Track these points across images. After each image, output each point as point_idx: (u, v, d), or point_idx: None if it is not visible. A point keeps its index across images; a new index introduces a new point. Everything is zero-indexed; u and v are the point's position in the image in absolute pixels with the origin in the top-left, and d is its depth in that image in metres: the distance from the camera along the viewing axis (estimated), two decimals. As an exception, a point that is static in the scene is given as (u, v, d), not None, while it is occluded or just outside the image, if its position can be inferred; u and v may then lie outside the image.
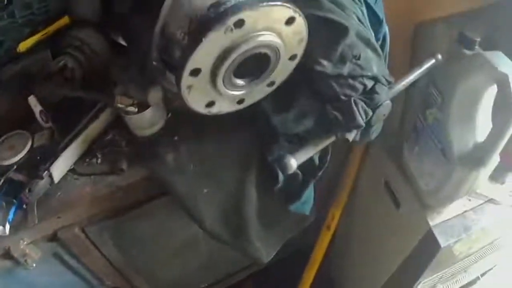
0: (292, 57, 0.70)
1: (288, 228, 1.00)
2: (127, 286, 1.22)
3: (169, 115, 0.93)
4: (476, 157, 0.94)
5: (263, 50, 0.64)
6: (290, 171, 0.73)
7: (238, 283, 1.75)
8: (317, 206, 1.25)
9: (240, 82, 0.68)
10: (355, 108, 0.74)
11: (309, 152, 0.76)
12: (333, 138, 0.78)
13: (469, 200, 1.12)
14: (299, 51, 0.69)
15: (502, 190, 1.16)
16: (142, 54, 0.68)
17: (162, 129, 0.92)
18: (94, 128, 0.93)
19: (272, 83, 0.72)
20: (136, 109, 0.87)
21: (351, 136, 0.77)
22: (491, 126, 0.91)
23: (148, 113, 0.88)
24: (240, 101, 0.73)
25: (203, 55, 0.59)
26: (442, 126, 0.95)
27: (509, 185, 1.17)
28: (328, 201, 1.39)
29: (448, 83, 0.92)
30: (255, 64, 0.66)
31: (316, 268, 1.56)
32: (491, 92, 0.88)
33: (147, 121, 0.89)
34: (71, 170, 0.91)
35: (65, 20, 0.92)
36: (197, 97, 0.67)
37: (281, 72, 0.71)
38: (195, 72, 0.61)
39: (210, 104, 0.70)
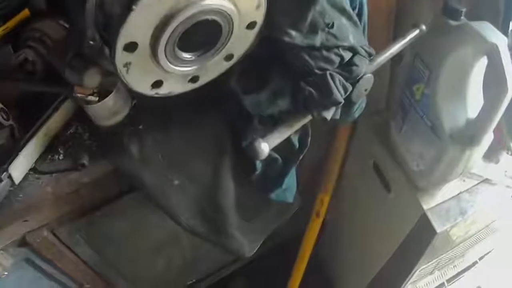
0: (250, 25, 0.61)
1: (271, 219, 0.94)
2: (108, 288, 1.16)
3: (134, 102, 0.86)
4: (468, 134, 0.89)
5: (211, 17, 0.56)
6: (262, 157, 0.66)
7: (229, 276, 1.71)
8: (305, 193, 1.20)
9: (187, 56, 0.59)
10: (331, 82, 0.67)
11: (283, 135, 0.69)
12: (309, 118, 0.71)
13: (464, 181, 1.07)
14: (259, 18, 0.61)
15: (497, 170, 1.11)
16: (78, 34, 0.59)
17: (127, 118, 0.85)
18: (55, 122, 0.86)
19: (230, 57, 0.64)
20: (97, 98, 0.81)
21: (329, 114, 0.70)
22: (482, 101, 0.86)
23: (109, 101, 0.81)
24: (194, 79, 0.64)
25: (137, 26, 0.51)
26: (431, 102, 0.90)
27: (504, 164, 1.12)
28: (316, 186, 1.33)
29: (434, 56, 0.87)
30: (205, 35, 0.58)
31: (308, 257, 1.51)
32: (481, 64, 0.83)
33: (109, 110, 0.83)
34: (33, 169, 0.85)
35: (25, 13, 0.86)
36: (138, 76, 0.58)
37: (239, 43, 0.62)
38: (131, 47, 0.52)
39: (157, 84, 0.61)
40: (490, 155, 1.11)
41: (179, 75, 0.61)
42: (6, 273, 0.86)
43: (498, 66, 0.75)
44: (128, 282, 1.21)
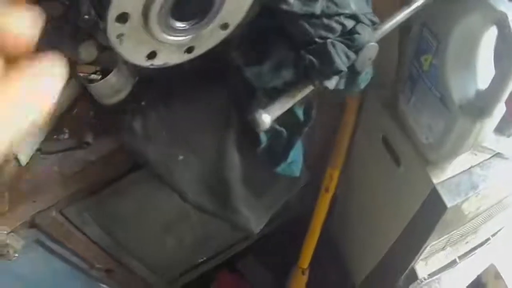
0: (244, -8, 0.60)
1: (278, 194, 0.93)
2: (120, 267, 1.17)
3: (137, 79, 0.86)
4: (479, 106, 0.86)
5: (203, -16, 0.54)
6: (264, 128, 0.66)
7: (238, 254, 1.71)
8: (314, 168, 1.19)
9: (180, 25, 0.57)
10: (332, 51, 0.66)
11: (284, 105, 0.68)
12: (310, 87, 0.69)
13: (475, 154, 1.04)
14: (253, -15, 0.59)
15: (510, 144, 1.07)
16: (74, 9, 0.59)
17: (130, 96, 0.85)
18: (59, 102, 0.86)
19: (225, 26, 0.62)
20: (100, 77, 0.81)
21: (331, 83, 0.68)
22: (493, 71, 0.82)
23: (111, 78, 0.82)
24: (190, 50, 0.62)
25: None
26: (439, 73, 0.87)
27: (517, 138, 1.08)
28: (325, 161, 1.32)
29: (442, 25, 0.84)
30: (198, 3, 0.56)
31: (318, 233, 1.49)
32: (491, 34, 0.80)
33: (112, 87, 0.83)
34: (39, 150, 0.86)
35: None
36: (132, 47, 0.57)
37: (234, 11, 0.60)
38: (123, 18, 0.51)
39: (152, 55, 0.59)
40: (502, 129, 1.08)
41: (173, 45, 0.60)
42: (17, 255, 0.86)
43: (507, 35, 0.71)
44: (139, 261, 1.22)
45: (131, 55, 0.57)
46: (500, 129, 1.08)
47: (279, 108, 0.67)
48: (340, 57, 0.67)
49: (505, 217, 1.33)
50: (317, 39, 0.67)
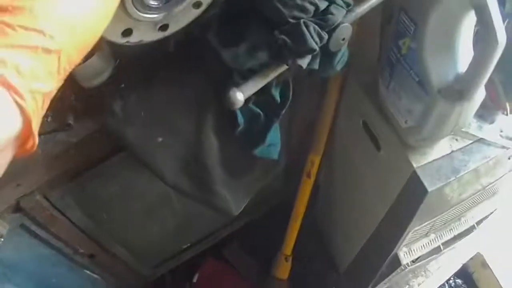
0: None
1: (257, 177, 0.94)
2: (103, 253, 1.18)
3: (117, 62, 0.86)
4: (458, 89, 0.87)
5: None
6: (237, 106, 0.67)
7: (223, 241, 1.72)
8: (298, 154, 1.19)
9: (153, 2, 0.59)
10: (305, 30, 0.67)
11: (257, 83, 0.69)
12: (284, 67, 0.70)
13: (456, 140, 1.05)
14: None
15: (492, 130, 1.08)
16: None
17: (110, 78, 0.85)
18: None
19: (198, 4, 0.64)
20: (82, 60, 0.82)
21: (303, 62, 0.69)
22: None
23: (93, 61, 0.82)
24: (164, 27, 0.65)
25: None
26: (417, 56, 0.88)
27: (499, 125, 1.09)
28: (308, 147, 1.32)
29: (419, 9, 0.84)
30: None
31: (301, 219, 1.50)
32: (471, 18, 0.80)
33: (93, 70, 0.83)
34: (22, 133, 0.86)
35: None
36: (108, 25, 0.59)
37: None
38: None
39: (127, 32, 0.62)
40: (485, 115, 1.09)
41: (148, 22, 0.62)
42: (2, 239, 0.87)
43: (485, 18, 0.72)
44: (122, 246, 1.23)
45: (107, 32, 0.59)
46: (482, 116, 1.09)
47: (252, 86, 0.68)
48: (313, 37, 0.67)
49: (491, 205, 1.34)
50: (290, 19, 0.68)
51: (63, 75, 0.39)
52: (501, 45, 0.73)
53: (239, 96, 0.66)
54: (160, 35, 0.65)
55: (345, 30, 0.72)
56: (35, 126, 0.37)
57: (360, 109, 1.11)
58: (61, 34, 0.37)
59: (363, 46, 1.11)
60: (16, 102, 0.34)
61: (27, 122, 0.36)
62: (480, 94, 0.89)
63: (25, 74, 0.34)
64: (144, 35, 0.64)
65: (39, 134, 0.90)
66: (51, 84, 0.38)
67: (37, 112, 0.37)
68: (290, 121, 0.89)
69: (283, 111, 0.83)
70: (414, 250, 1.22)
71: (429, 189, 0.97)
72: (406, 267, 1.30)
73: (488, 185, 1.20)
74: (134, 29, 0.62)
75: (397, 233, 1.12)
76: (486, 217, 1.35)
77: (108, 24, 0.58)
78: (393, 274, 1.33)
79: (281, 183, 1.10)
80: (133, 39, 0.63)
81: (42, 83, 0.36)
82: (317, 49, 0.68)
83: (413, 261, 1.29)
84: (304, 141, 1.30)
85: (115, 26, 0.60)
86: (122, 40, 0.62)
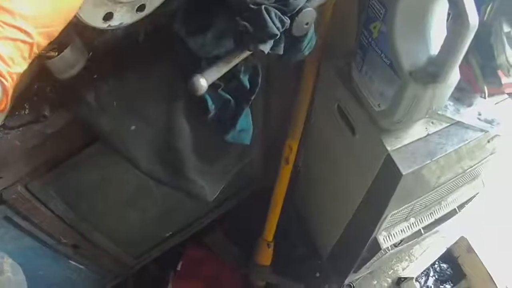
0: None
1: (231, 162, 0.96)
2: (86, 243, 1.20)
3: (90, 54, 0.88)
4: (430, 71, 0.87)
5: None
6: (201, 91, 0.68)
7: (205, 229, 1.73)
8: (276, 140, 1.18)
9: None
10: (266, 16, 0.67)
11: (221, 69, 0.70)
12: (247, 52, 0.71)
13: (432, 123, 1.05)
14: None
15: (470, 113, 1.08)
16: None
17: (84, 70, 0.87)
18: (21, 80, 0.89)
19: None
20: (57, 53, 0.83)
21: (265, 47, 0.70)
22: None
23: (67, 53, 0.84)
24: (141, 8, 0.67)
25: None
26: (388, 39, 0.88)
27: (477, 108, 1.09)
28: (286, 133, 1.33)
29: (388, -7, 0.85)
30: None
31: (281, 205, 1.50)
32: (444, 1, 0.80)
33: (66, 62, 0.85)
34: (2, 126, 0.88)
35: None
36: (90, 9, 0.62)
37: None
38: None
39: (108, 16, 0.64)
40: (462, 98, 1.09)
41: (126, 4, 0.64)
42: (-15, 231, 0.88)
43: (457, 0, 0.72)
44: (104, 236, 1.25)
45: (89, 18, 0.62)
46: (460, 99, 1.09)
47: (215, 71, 0.69)
48: (274, 22, 0.68)
49: (472, 189, 1.34)
50: (252, 6, 0.69)
51: (32, 58, 0.50)
52: (473, 27, 0.73)
53: (203, 82, 0.68)
54: (138, 16, 0.68)
55: (308, 15, 0.73)
56: (10, 95, 0.49)
57: (334, 93, 1.12)
58: (35, 29, 0.48)
59: (341, 33, 1.12)
60: (1, 82, 0.46)
61: (6, 93, 0.48)
62: (454, 77, 0.89)
63: (6, 60, 0.46)
64: (124, 17, 0.67)
65: (17, 127, 0.92)
66: (24, 66, 0.49)
67: (12, 86, 0.49)
68: (266, 107, 0.90)
69: (253, 97, 0.85)
70: (394, 234, 1.23)
71: (404, 172, 0.98)
72: (387, 251, 1.31)
73: (468, 168, 1.21)
74: (115, 12, 0.65)
75: (375, 217, 1.13)
76: (468, 201, 1.36)
77: (89, 11, 0.62)
78: (375, 258, 1.33)
79: (261, 169, 1.11)
80: (114, 22, 0.66)
81: (18, 66, 0.48)
82: (278, 34, 0.69)
83: (394, 245, 1.30)
84: (282, 127, 1.31)
85: (97, 12, 0.63)
86: (104, 25, 0.65)
